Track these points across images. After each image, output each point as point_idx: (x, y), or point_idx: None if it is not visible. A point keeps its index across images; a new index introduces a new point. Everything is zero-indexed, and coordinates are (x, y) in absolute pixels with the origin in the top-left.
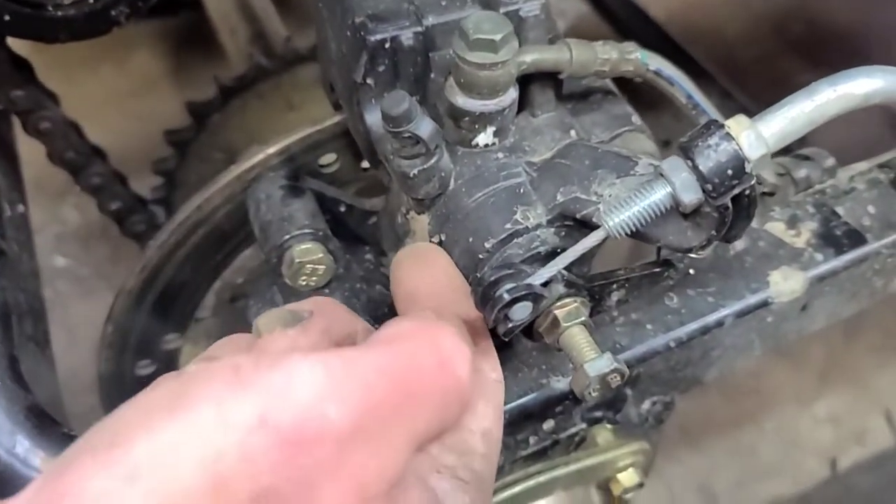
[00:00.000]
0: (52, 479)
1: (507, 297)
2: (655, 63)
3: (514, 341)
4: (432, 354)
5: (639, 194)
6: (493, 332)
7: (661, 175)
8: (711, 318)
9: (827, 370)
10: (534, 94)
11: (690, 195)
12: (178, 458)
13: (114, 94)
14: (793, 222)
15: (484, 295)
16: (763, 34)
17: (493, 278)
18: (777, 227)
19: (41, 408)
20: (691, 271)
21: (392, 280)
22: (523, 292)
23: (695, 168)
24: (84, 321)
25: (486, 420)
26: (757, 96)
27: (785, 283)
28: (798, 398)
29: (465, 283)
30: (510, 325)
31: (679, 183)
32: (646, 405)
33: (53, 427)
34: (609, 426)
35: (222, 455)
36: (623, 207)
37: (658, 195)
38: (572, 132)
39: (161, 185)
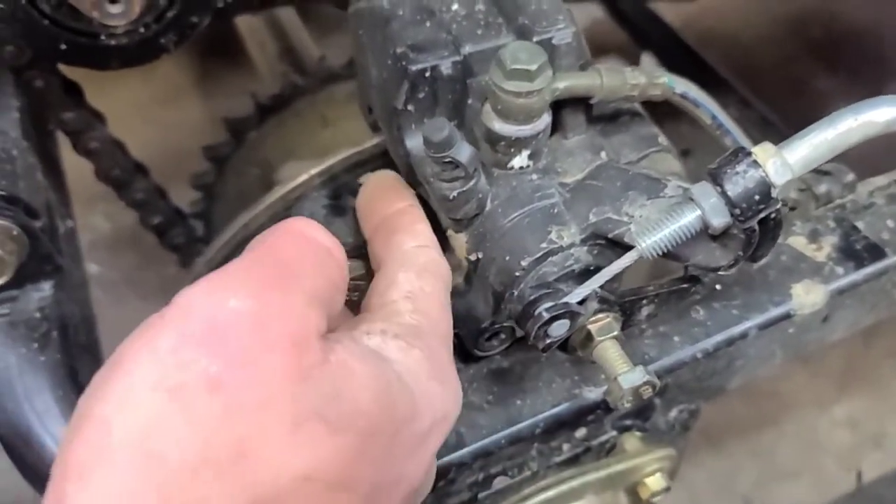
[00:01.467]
0: (52, 483)
1: (546, 315)
2: (682, 87)
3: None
4: (287, 233)
5: (670, 217)
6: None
7: (692, 199)
8: (736, 330)
9: (846, 374)
10: (566, 117)
11: (719, 219)
12: (134, 397)
13: (139, 103)
14: (814, 236)
15: (524, 312)
16: (780, 38)
17: (532, 297)
18: (799, 242)
19: None
20: (717, 286)
21: None
22: (561, 311)
23: (723, 193)
24: (113, 328)
25: (406, 284)
26: (774, 100)
27: (807, 296)
28: (817, 402)
29: (398, 182)
30: (548, 340)
31: (709, 207)
32: (673, 413)
33: None
34: (638, 434)
35: (165, 374)
36: (655, 229)
37: (689, 218)
38: (603, 153)
39: (199, 200)
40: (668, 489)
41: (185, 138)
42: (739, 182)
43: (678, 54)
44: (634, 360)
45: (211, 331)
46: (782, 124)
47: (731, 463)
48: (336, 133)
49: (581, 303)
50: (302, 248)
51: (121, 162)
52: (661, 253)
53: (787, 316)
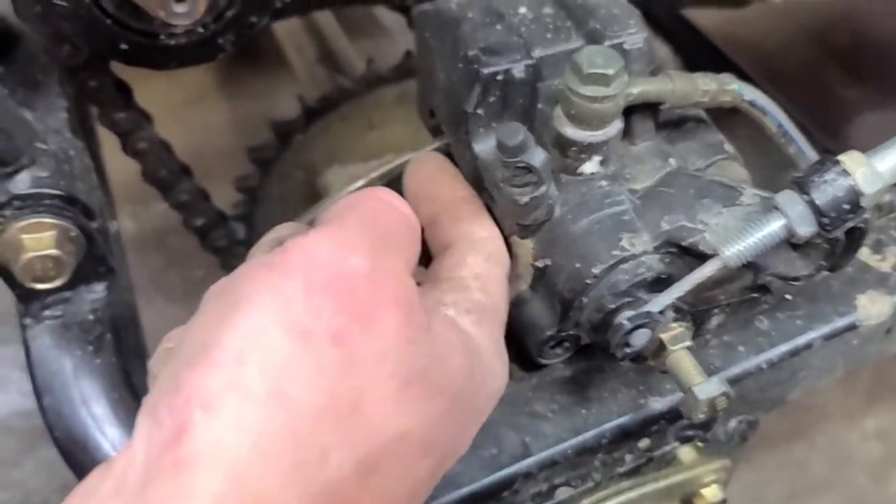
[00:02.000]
0: (164, 402)
1: (628, 324)
2: (750, 94)
3: (609, 361)
4: (380, 201)
5: (754, 226)
6: None
7: (776, 208)
8: (801, 341)
9: (876, 387)
10: (635, 123)
11: (806, 228)
12: (266, 335)
13: (168, 104)
14: (878, 247)
15: (604, 321)
16: (805, 45)
17: (612, 306)
18: (863, 252)
19: None
20: (787, 297)
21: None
22: (643, 320)
23: (811, 202)
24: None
25: (475, 266)
26: (800, 108)
27: (872, 307)
28: (848, 415)
29: (451, 168)
30: (628, 350)
31: (795, 216)
32: (732, 424)
33: None
34: (698, 444)
35: (296, 320)
36: (739, 238)
37: (773, 227)
38: (671, 160)
39: (242, 202)
40: (724, 501)
41: (213, 139)
42: (828, 191)
43: (709, 58)
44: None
45: (337, 282)
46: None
47: (762, 476)
48: (382, 136)
49: (661, 312)
50: (397, 219)
51: (167, 163)
52: (744, 262)
53: (852, 327)
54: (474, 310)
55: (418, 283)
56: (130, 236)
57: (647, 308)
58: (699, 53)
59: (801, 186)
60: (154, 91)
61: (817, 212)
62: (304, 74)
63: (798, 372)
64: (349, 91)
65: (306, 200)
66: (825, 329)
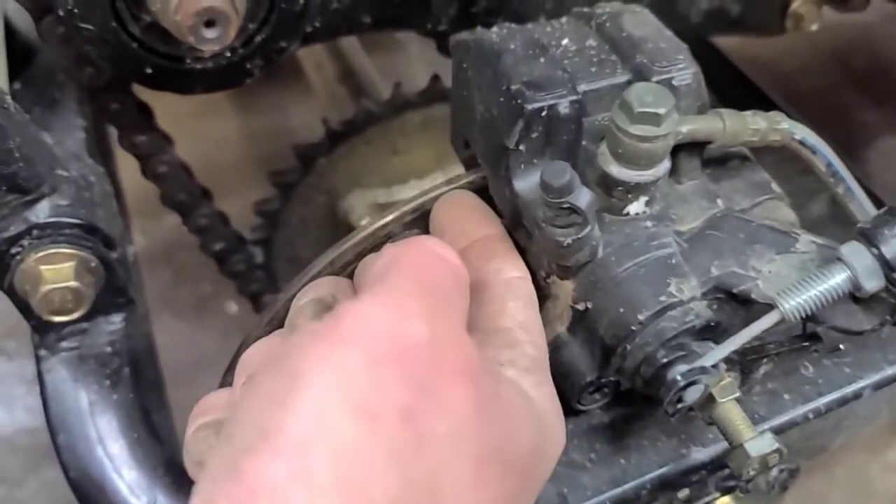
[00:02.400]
0: (222, 493)
1: (682, 380)
2: (801, 132)
3: (649, 408)
4: (428, 253)
5: (815, 277)
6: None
7: (840, 259)
8: (849, 390)
9: None
10: (681, 161)
11: (873, 282)
12: (330, 417)
13: (176, 114)
14: None
15: (656, 376)
16: (823, 68)
17: (665, 360)
18: None
19: (177, 461)
20: (842, 346)
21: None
22: (697, 375)
23: (879, 255)
24: None
25: (518, 314)
26: (819, 131)
27: None
28: (868, 447)
29: (482, 206)
30: (680, 405)
31: (862, 269)
32: (773, 473)
33: (190, 482)
34: (739, 495)
35: (362, 398)
36: (799, 290)
37: (836, 280)
38: (718, 200)
39: (261, 226)
40: None
41: (225, 152)
42: None
43: (730, 79)
44: None
45: (400, 354)
46: None
47: None
48: (405, 162)
49: (714, 365)
50: (447, 272)
51: (187, 186)
52: (804, 315)
53: None
54: (533, 368)
55: None
56: (139, 251)
57: (701, 362)
58: (726, 80)
59: (870, 239)
60: (163, 102)
61: (886, 266)
62: (323, 93)
63: (843, 421)
64: (374, 115)
65: (327, 225)
66: (875, 377)
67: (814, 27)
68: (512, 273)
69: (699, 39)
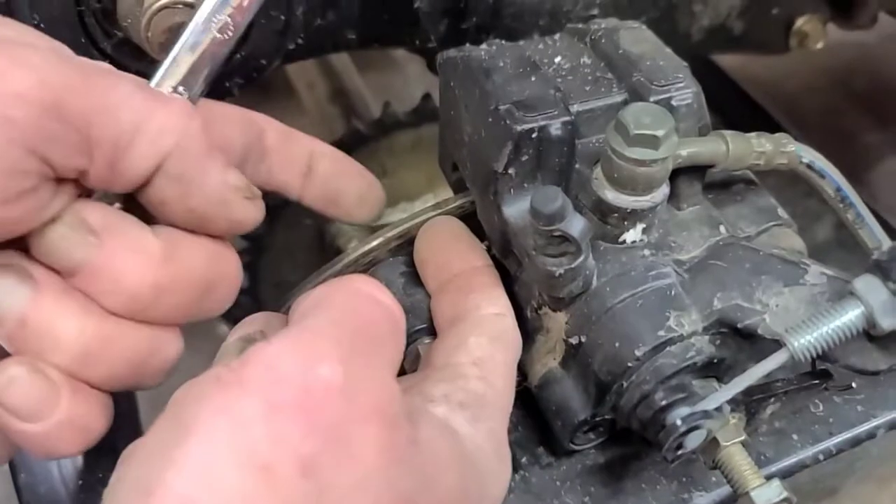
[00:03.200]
0: None
1: (682, 426)
2: (809, 156)
3: (647, 448)
4: (358, 294)
5: (827, 314)
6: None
7: (853, 294)
8: (862, 430)
9: None
10: (681, 185)
11: (890, 320)
12: (219, 473)
13: None
14: None
15: (654, 420)
16: (825, 89)
17: (664, 402)
18: None
19: None
20: (854, 384)
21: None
22: (699, 420)
23: None
24: None
25: (477, 350)
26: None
27: None
28: (877, 477)
29: (466, 236)
30: (681, 452)
31: (877, 305)
32: None
33: None
34: None
35: (255, 450)
36: (809, 327)
37: (850, 316)
38: (721, 227)
39: (246, 249)
40: None
41: None
42: None
43: (732, 99)
44: None
45: (304, 401)
46: None
47: None
48: (394, 184)
49: (717, 408)
50: (375, 315)
51: None
52: (815, 355)
53: None
54: (469, 402)
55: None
56: None
57: (703, 406)
58: (729, 100)
59: (886, 272)
60: None
61: None
62: (314, 112)
63: (856, 462)
64: (363, 136)
65: (314, 249)
66: (889, 416)
67: (819, 45)
68: (488, 310)
69: (700, 58)
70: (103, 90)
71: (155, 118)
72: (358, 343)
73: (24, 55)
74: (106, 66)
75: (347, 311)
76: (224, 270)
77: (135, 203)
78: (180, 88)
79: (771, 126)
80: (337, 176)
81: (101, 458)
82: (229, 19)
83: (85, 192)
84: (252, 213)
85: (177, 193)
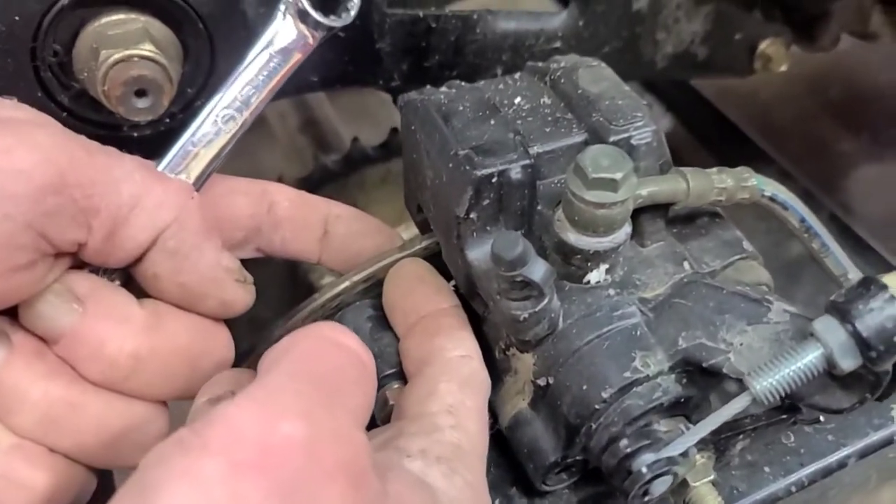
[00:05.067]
0: None
1: (647, 473)
2: (771, 188)
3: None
4: (322, 341)
5: (787, 356)
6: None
7: (813, 335)
8: (833, 459)
9: None
10: (644, 223)
11: (849, 361)
12: None
13: None
14: None
15: (619, 467)
16: (799, 96)
17: (629, 449)
18: None
19: None
20: (822, 418)
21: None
22: (665, 467)
23: (855, 333)
24: None
25: (448, 397)
26: (796, 161)
27: None
28: (863, 485)
29: (433, 277)
30: (647, 499)
31: (836, 347)
32: None
33: None
34: None
35: None
36: (771, 370)
37: (810, 358)
38: (685, 264)
39: None
40: None
41: None
42: (875, 320)
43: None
44: (722, 493)
45: (264, 459)
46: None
47: None
48: None
49: (684, 453)
50: (341, 362)
51: None
52: (777, 397)
53: (889, 441)
54: (446, 455)
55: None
56: None
57: (668, 451)
58: (701, 118)
59: (843, 314)
60: None
61: (863, 343)
62: (286, 143)
63: (828, 491)
64: (332, 171)
65: (287, 285)
66: (859, 445)
67: (782, 68)
68: (455, 352)
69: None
70: (106, 166)
71: (154, 193)
72: (321, 393)
73: (31, 133)
74: (110, 147)
75: (310, 361)
76: (211, 345)
77: (129, 280)
78: (182, 176)
79: (742, 140)
80: (355, 236)
81: None
82: (234, 112)
83: (81, 264)
84: (242, 297)
85: (170, 268)
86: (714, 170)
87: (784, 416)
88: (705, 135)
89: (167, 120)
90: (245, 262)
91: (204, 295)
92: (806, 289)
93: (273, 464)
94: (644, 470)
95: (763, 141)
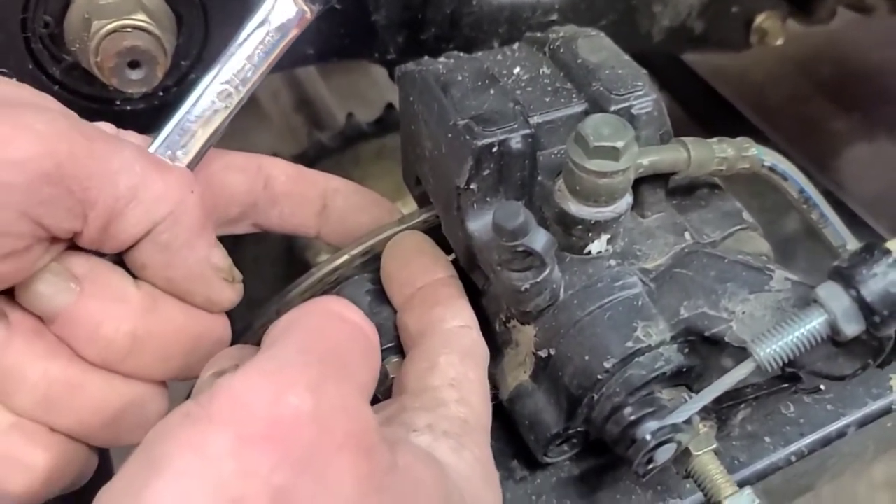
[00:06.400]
0: None
1: (652, 440)
2: (771, 158)
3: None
4: (328, 316)
5: (791, 322)
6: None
7: (816, 301)
8: (832, 429)
9: None
10: (644, 194)
11: (853, 327)
12: None
13: None
14: None
15: (623, 435)
16: (791, 76)
17: (633, 417)
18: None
19: None
20: (822, 387)
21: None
22: (669, 434)
23: (858, 297)
24: None
25: (450, 370)
26: (789, 140)
27: None
28: (850, 472)
29: (431, 249)
30: (652, 466)
31: (840, 313)
32: None
33: None
34: None
35: (225, 484)
36: (774, 336)
37: (814, 324)
38: (686, 234)
39: None
40: None
41: None
42: (878, 285)
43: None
44: (723, 464)
45: (273, 431)
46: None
47: None
48: None
49: (687, 420)
50: (348, 335)
51: None
52: (781, 363)
53: (888, 410)
54: (453, 430)
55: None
56: None
57: (672, 419)
58: (692, 94)
59: (847, 280)
60: None
61: (866, 308)
62: (279, 122)
63: (828, 460)
64: (327, 147)
65: (283, 263)
66: (859, 414)
67: (779, 42)
68: (453, 322)
69: (671, 59)
70: (105, 156)
71: (153, 187)
72: (328, 367)
73: (30, 121)
74: (109, 130)
75: (316, 335)
76: (208, 326)
77: (121, 263)
78: (179, 153)
79: (735, 117)
80: (353, 210)
81: (76, 495)
82: (231, 88)
83: (76, 247)
84: (228, 296)
85: (159, 261)
86: (714, 140)
87: (785, 386)
88: (700, 112)
89: (161, 93)
90: (240, 238)
91: (191, 290)
92: (800, 265)
93: (282, 436)
94: (648, 437)
95: (756, 120)
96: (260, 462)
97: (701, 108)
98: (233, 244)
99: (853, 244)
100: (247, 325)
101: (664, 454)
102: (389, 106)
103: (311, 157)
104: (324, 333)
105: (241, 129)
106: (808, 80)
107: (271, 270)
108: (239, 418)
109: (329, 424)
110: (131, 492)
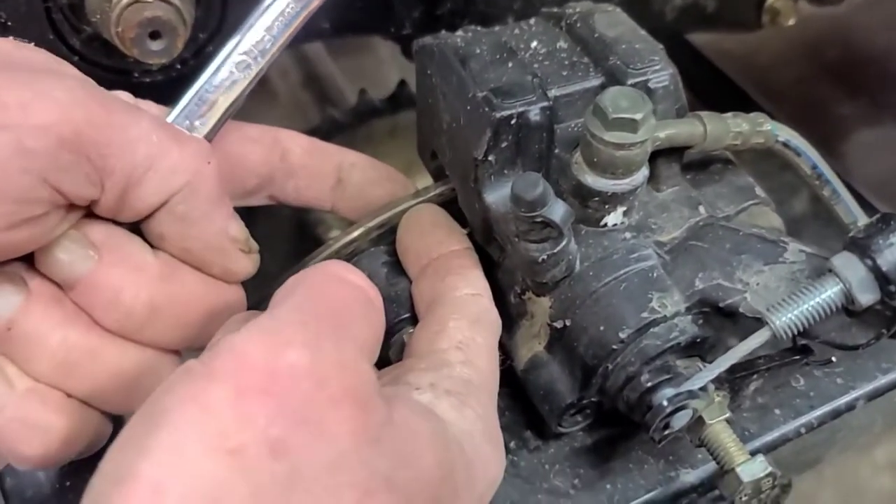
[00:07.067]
0: None
1: (668, 406)
2: (785, 134)
3: (634, 429)
4: (330, 277)
5: (806, 291)
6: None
7: (831, 271)
8: (842, 402)
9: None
10: (660, 167)
11: (868, 296)
12: (188, 458)
13: None
14: None
15: (640, 401)
16: (796, 60)
17: (650, 383)
18: None
19: None
20: (834, 359)
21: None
22: (685, 400)
23: (874, 267)
24: None
25: (458, 333)
26: (795, 124)
27: None
28: (857, 446)
29: (446, 221)
30: (667, 432)
31: (856, 282)
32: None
33: None
34: None
35: (223, 434)
36: (789, 305)
37: (829, 293)
38: (700, 208)
39: None
40: None
41: None
42: (894, 254)
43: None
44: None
45: (270, 384)
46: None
47: None
48: None
49: (703, 387)
50: (348, 296)
51: None
52: (796, 332)
53: None
54: (455, 389)
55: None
56: None
57: (688, 386)
58: (701, 76)
59: (863, 249)
60: None
61: (882, 278)
62: (288, 100)
63: (837, 433)
64: (339, 123)
65: (295, 239)
66: (868, 387)
67: (790, 22)
68: (465, 290)
69: (672, 35)
70: (123, 125)
71: (170, 156)
72: (326, 325)
73: (49, 87)
74: (128, 99)
75: (314, 295)
76: (225, 295)
77: (139, 233)
78: (197, 123)
79: (743, 101)
80: (369, 184)
81: (90, 460)
82: (250, 59)
83: (93, 215)
84: (244, 267)
85: (176, 232)
86: (729, 114)
87: (797, 358)
88: (706, 94)
89: (178, 66)
90: (253, 213)
91: (208, 261)
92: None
93: (279, 389)
94: (665, 403)
95: (763, 102)
96: (257, 414)
97: (707, 90)
98: (245, 219)
99: (864, 221)
100: (260, 298)
101: (680, 420)
102: (402, 83)
103: (323, 132)
104: (324, 293)
105: (250, 106)
106: (814, 63)
107: (283, 247)
108: (238, 373)
109: (325, 379)
110: (134, 443)
